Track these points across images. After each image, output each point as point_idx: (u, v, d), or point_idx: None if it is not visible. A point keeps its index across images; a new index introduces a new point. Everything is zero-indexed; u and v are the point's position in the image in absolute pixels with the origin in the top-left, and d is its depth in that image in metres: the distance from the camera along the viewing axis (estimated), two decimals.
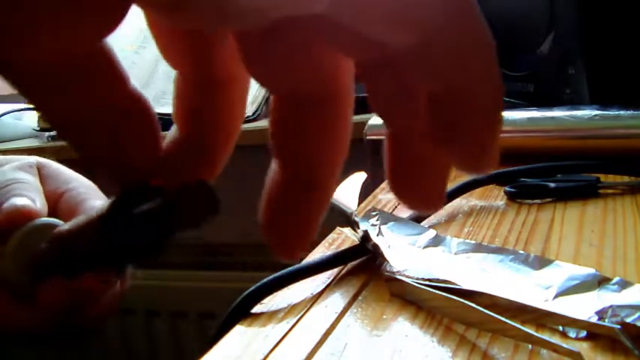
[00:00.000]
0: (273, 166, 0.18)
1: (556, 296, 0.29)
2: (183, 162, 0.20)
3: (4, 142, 1.06)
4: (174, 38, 0.19)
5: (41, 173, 0.40)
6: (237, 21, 0.14)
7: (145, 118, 0.19)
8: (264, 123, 0.84)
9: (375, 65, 0.16)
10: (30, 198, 0.35)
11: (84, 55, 0.17)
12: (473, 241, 0.37)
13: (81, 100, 0.18)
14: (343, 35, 0.15)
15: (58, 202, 0.39)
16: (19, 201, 0.35)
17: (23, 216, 0.34)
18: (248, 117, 0.85)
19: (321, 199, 0.18)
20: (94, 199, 0.39)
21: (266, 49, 0.16)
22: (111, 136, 0.19)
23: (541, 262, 0.32)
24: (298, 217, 0.18)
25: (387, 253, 0.35)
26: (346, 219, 0.37)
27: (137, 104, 0.19)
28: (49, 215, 0.37)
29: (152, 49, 0.98)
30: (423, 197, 0.18)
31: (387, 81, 0.16)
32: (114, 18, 0.15)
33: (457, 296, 0.28)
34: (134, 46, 0.97)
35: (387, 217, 0.41)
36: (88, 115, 0.18)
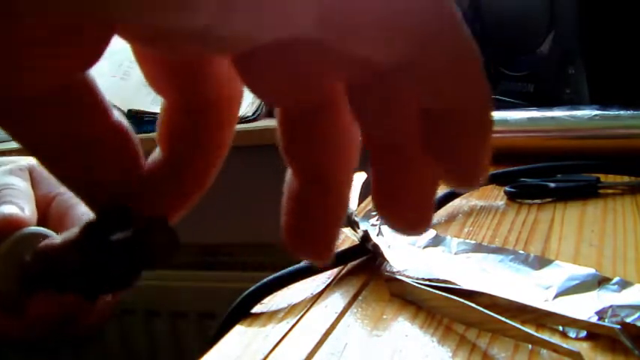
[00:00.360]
0: (288, 173, 0.19)
1: (556, 296, 0.29)
2: (163, 185, 0.21)
3: (4, 142, 1.06)
4: (159, 65, 0.19)
5: (32, 177, 0.39)
6: (220, 49, 0.15)
7: (125, 148, 0.20)
8: (264, 123, 0.84)
9: (363, 85, 0.16)
10: (19, 206, 0.35)
11: (65, 89, 0.17)
12: (473, 241, 0.37)
13: (60, 133, 0.18)
14: (333, 56, 0.15)
15: (49, 207, 0.38)
16: (7, 209, 0.34)
17: (11, 225, 0.33)
18: (248, 117, 0.85)
19: (337, 202, 0.18)
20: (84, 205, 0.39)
21: (255, 67, 0.16)
22: (89, 165, 0.19)
23: (541, 262, 0.32)
24: (316, 222, 0.19)
25: (387, 253, 0.35)
26: (346, 219, 0.37)
27: (119, 135, 0.19)
28: (40, 220, 0.36)
29: None
30: (411, 214, 0.18)
31: (377, 99, 0.16)
32: (95, 50, 0.15)
33: (457, 296, 0.28)
34: None
35: None
36: (65, 145, 0.18)
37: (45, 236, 0.33)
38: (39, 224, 0.36)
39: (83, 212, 0.37)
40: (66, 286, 0.30)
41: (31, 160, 0.41)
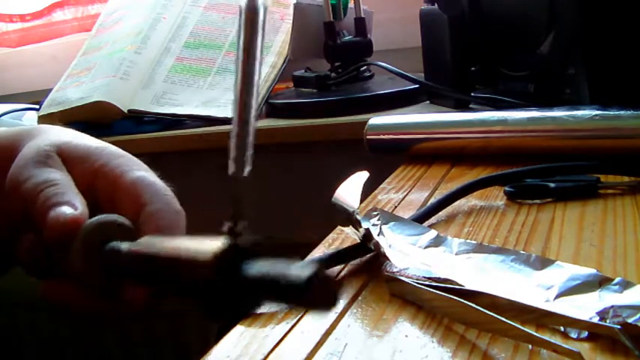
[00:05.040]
0: None
1: (557, 296, 0.29)
2: None
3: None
4: None
5: (64, 157, 0.39)
6: None
7: None
8: (264, 123, 0.84)
9: None
10: (70, 204, 0.35)
11: None
12: (474, 242, 0.37)
13: None
14: None
15: (94, 180, 0.38)
16: (67, 211, 0.34)
17: (74, 227, 0.34)
18: None
19: None
20: (133, 170, 0.38)
21: None
22: None
23: (542, 262, 0.32)
24: None
25: (388, 253, 0.35)
26: (348, 218, 0.37)
27: None
28: (88, 194, 0.37)
29: (152, 49, 0.98)
30: None
31: None
32: None
33: (458, 296, 0.28)
34: (134, 46, 0.97)
35: (388, 217, 0.40)
36: None
37: (114, 222, 0.35)
38: (87, 198, 0.36)
39: (136, 177, 0.37)
40: (188, 294, 0.31)
41: (54, 138, 0.40)
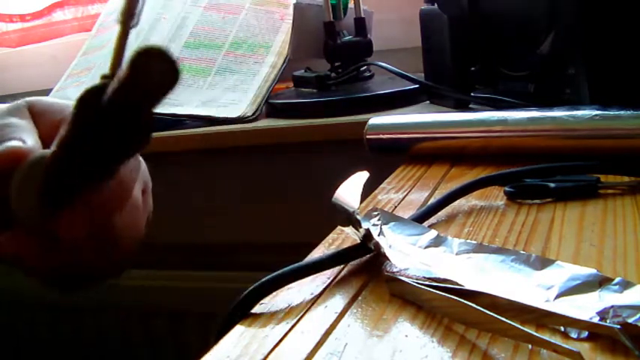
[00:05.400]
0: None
1: (557, 296, 0.29)
2: None
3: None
4: None
5: (33, 112, 0.41)
6: None
7: None
8: (264, 123, 0.84)
9: None
10: (19, 139, 0.36)
11: None
12: (474, 242, 0.37)
13: None
14: None
15: (57, 131, 0.40)
16: (9, 143, 0.35)
17: (15, 156, 0.34)
18: (248, 117, 0.85)
19: None
20: None
21: None
22: None
23: (543, 262, 0.32)
24: None
25: (388, 253, 0.35)
26: (348, 218, 0.37)
27: None
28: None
29: None
30: None
31: None
32: None
33: (458, 296, 0.28)
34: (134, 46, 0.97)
35: (388, 217, 0.40)
36: None
37: None
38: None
39: None
40: (83, 167, 0.31)
41: (29, 98, 0.42)
